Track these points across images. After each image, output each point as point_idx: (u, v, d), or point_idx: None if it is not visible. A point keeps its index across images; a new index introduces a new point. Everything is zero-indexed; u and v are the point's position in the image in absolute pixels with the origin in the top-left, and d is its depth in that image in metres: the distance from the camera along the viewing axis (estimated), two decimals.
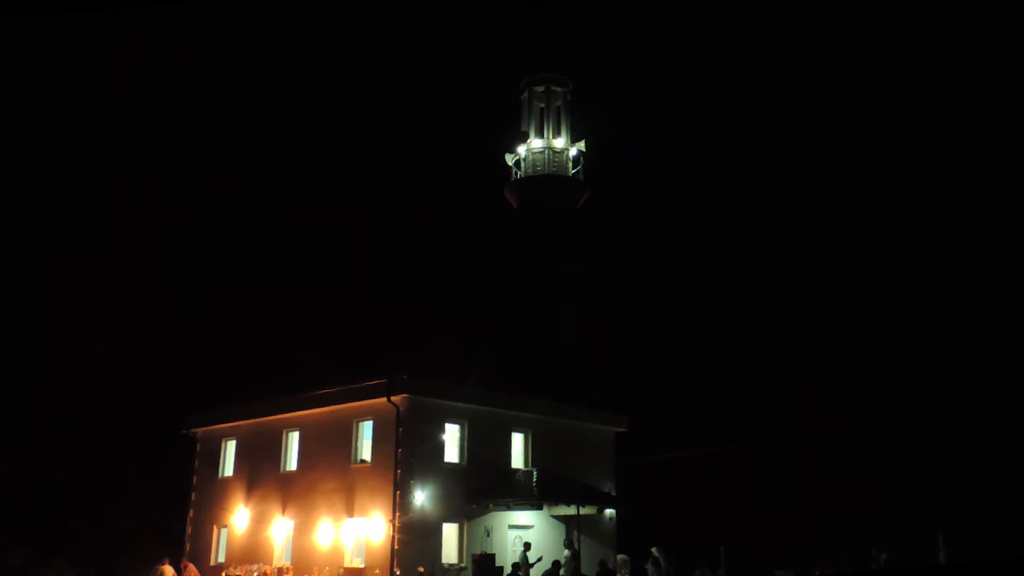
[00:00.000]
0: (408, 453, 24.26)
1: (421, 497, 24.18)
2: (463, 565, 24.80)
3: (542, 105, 38.12)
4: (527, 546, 23.98)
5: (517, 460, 27.22)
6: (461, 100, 63.11)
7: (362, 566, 24.39)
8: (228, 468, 29.87)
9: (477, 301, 40.60)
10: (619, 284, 44.21)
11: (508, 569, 23.15)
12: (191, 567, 26.01)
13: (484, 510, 25.75)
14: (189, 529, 30.23)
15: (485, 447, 26.16)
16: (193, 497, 30.63)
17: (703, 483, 34.98)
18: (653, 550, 24.16)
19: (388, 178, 62.62)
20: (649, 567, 24.14)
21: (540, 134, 37.66)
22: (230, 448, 30.02)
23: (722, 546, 25.54)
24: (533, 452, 27.41)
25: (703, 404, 38.69)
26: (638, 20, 62.12)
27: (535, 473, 26.39)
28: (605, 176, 40.68)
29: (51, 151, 52.54)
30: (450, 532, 25.05)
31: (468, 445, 25.82)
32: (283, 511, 27.15)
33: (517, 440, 27.42)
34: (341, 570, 24.77)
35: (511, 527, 26.45)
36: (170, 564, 24.69)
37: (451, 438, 25.71)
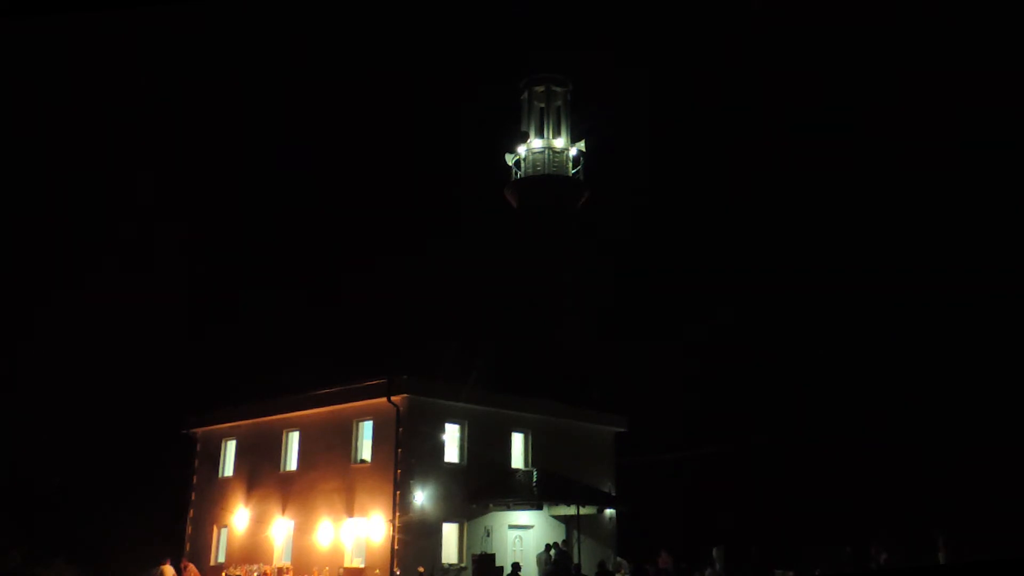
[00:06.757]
0: (408, 453, 24.27)
1: (421, 497, 24.19)
2: (463, 565, 24.81)
3: (542, 105, 38.10)
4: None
5: (517, 460, 27.23)
6: (460, 100, 63.18)
7: (362, 566, 24.40)
8: (228, 468, 29.89)
9: (477, 301, 40.63)
10: (619, 283, 44.21)
11: (508, 569, 23.16)
12: (191, 567, 26.05)
13: (484, 510, 25.76)
14: (189, 529, 30.26)
15: (485, 447, 26.17)
16: (193, 497, 30.65)
17: (703, 483, 34.94)
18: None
19: (388, 178, 62.71)
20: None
21: (540, 134, 37.65)
22: (230, 448, 30.04)
23: (722, 546, 25.53)
24: (533, 452, 27.42)
25: (703, 404, 38.65)
26: (638, 19, 62.15)
27: (535, 473, 26.41)
28: (606, 175, 40.72)
29: (52, 150, 52.58)
30: (450, 532, 25.07)
31: (468, 445, 25.84)
32: (283, 511, 27.16)
33: (517, 440, 27.43)
34: (341, 570, 24.78)
35: (511, 527, 26.47)
36: (170, 564, 24.74)
37: (451, 438, 25.72)
